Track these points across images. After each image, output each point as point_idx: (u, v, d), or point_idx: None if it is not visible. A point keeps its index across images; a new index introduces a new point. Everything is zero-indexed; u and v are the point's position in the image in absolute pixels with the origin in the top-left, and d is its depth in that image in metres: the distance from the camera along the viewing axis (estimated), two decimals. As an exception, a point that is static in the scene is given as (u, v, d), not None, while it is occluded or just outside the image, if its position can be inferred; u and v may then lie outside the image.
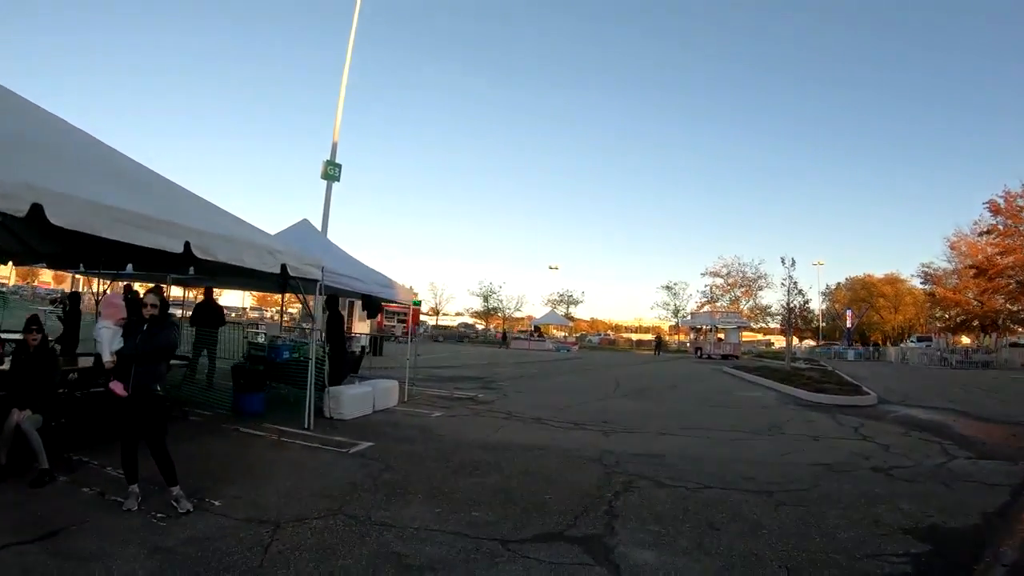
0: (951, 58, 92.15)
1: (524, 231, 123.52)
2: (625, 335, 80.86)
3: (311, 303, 8.56)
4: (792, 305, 26.00)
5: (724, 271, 64.57)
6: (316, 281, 7.93)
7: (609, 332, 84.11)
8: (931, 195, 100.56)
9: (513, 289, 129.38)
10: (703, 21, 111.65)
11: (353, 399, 8.75)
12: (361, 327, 23.34)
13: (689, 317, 55.43)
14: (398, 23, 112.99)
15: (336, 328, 9.82)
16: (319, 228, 17.51)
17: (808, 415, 11.65)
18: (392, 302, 11.20)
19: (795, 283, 25.15)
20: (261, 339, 11.83)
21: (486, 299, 68.34)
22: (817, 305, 61.80)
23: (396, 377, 11.02)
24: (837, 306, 72.01)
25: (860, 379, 19.83)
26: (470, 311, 72.53)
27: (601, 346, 61.96)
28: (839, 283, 76.94)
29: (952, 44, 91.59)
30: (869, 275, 74.37)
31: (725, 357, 42.59)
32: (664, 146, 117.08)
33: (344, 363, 10.19)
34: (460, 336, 49.98)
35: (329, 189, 17.81)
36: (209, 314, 11.52)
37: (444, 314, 77.48)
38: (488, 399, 11.69)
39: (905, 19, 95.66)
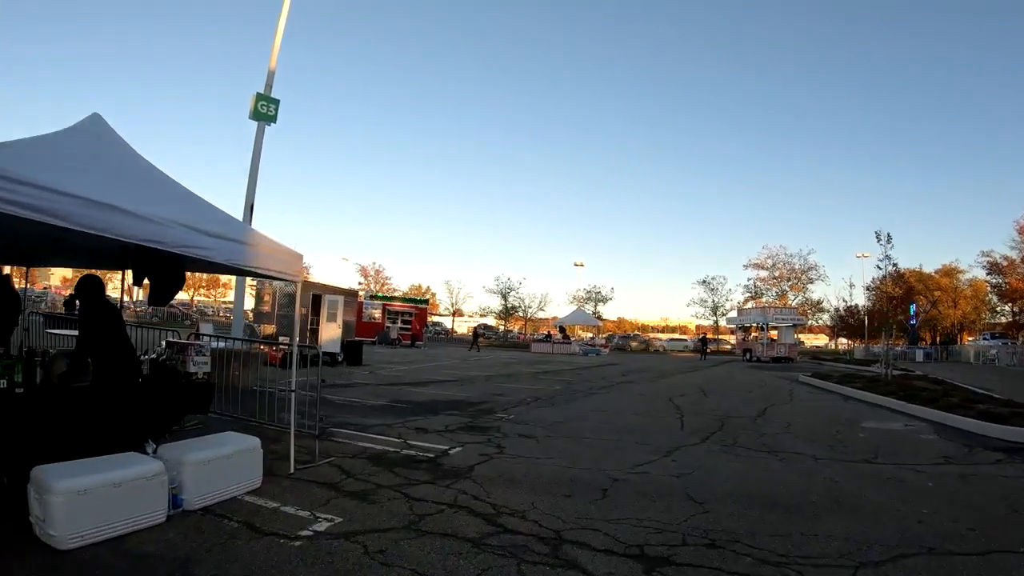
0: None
1: (546, 227, 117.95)
2: (653, 335, 74.98)
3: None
4: (888, 294, 20.06)
5: (769, 263, 58.04)
6: None
7: (638, 332, 78.17)
8: (983, 184, 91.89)
9: (535, 286, 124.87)
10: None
11: (86, 502, 3.47)
12: (330, 330, 18.10)
13: (735, 314, 49.14)
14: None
15: (104, 332, 4.50)
16: (244, 187, 12.38)
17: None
18: (243, 272, 5.77)
19: (895, 265, 19.26)
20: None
21: (504, 297, 62.84)
22: (863, 302, 55.27)
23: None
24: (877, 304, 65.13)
25: (993, 390, 14.30)
26: (487, 310, 66.90)
27: (633, 348, 56.04)
28: (884, 277, 69.77)
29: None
30: (915, 269, 67.10)
31: (777, 360, 36.68)
32: (691, 137, 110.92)
33: (156, 401, 4.89)
34: (473, 339, 44.81)
35: (260, 134, 12.65)
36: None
37: (468, 315, 72.03)
38: (462, 462, 6.20)
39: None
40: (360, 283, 60.91)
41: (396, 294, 55.06)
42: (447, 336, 60.88)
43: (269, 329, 16.61)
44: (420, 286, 74.46)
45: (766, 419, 10.69)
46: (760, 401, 13.63)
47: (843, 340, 66.14)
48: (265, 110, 12.35)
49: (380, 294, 51.80)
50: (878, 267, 19.10)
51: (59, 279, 62.75)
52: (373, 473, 5.51)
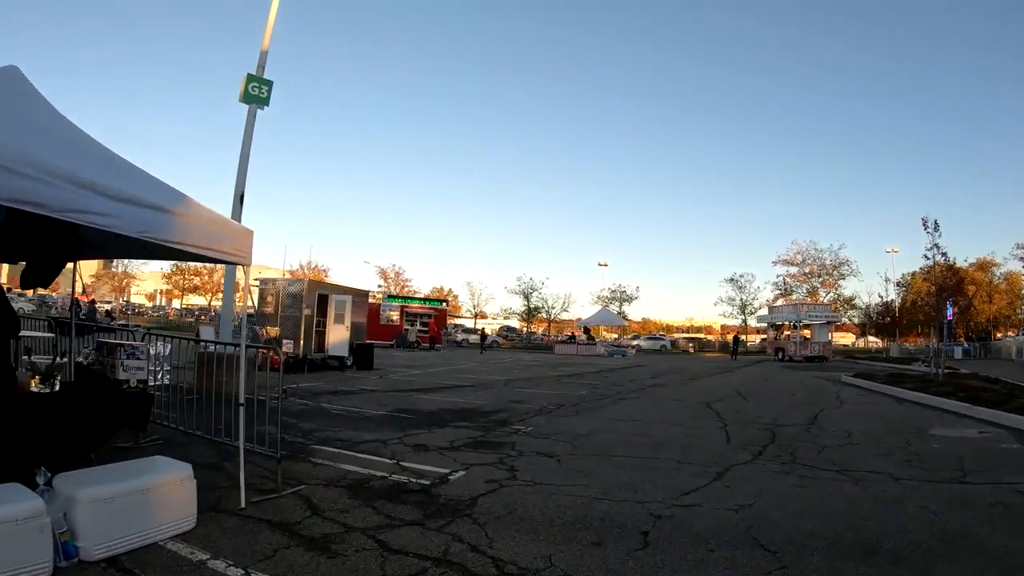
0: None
1: (569, 227, 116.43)
2: (678, 335, 73.09)
3: None
4: (940, 286, 18.45)
5: (799, 258, 55.68)
6: None
7: (663, 332, 76.28)
8: (1018, 175, 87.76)
9: (559, 287, 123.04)
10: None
11: None
12: (338, 332, 17.06)
13: (766, 311, 47.20)
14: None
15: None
16: (234, 178, 11.39)
17: None
18: (168, 251, 4.58)
19: (944, 254, 17.58)
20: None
21: (527, 298, 61.40)
22: (895, 297, 52.74)
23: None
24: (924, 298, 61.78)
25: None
26: (509, 311, 65.33)
27: (661, 350, 54.30)
28: (914, 272, 66.57)
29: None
30: (947, 265, 63.48)
31: (811, 359, 35.01)
32: (716, 135, 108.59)
33: (66, 416, 3.82)
34: (481, 341, 43.89)
35: (252, 118, 11.68)
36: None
37: (492, 317, 70.61)
38: (464, 492, 4.99)
39: None
40: (380, 285, 60.10)
41: (417, 296, 54.07)
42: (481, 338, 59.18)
43: (273, 332, 15.64)
44: (441, 288, 73.28)
45: (820, 427, 9.34)
46: (807, 405, 12.25)
47: (872, 338, 63.54)
48: (257, 92, 11.35)
49: (398, 295, 50.92)
50: (926, 257, 17.36)
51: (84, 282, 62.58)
52: (347, 509, 4.35)
